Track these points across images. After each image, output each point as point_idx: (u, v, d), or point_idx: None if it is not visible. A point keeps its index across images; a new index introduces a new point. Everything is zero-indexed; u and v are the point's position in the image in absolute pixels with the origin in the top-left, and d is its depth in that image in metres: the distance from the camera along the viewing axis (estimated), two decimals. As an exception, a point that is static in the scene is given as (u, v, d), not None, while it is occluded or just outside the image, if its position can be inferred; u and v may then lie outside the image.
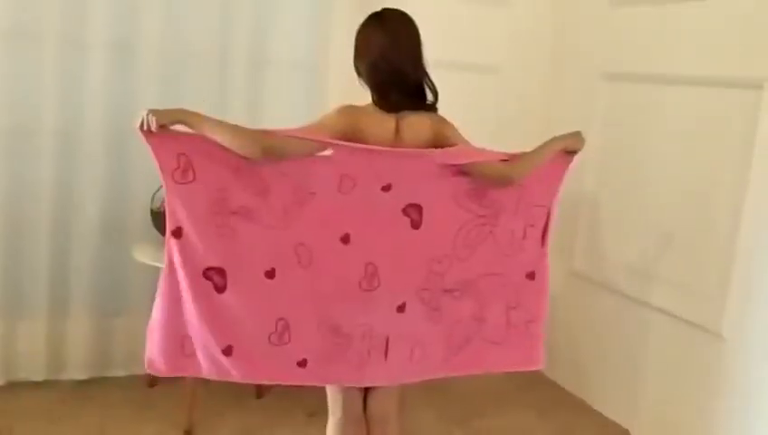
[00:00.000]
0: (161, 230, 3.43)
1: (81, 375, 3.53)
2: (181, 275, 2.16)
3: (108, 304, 3.56)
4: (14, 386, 3.41)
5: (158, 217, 3.40)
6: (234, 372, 2.24)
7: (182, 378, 3.32)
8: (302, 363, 2.29)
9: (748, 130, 2.98)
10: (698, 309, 3.18)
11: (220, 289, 2.17)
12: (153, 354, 2.26)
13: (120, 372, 3.62)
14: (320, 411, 3.42)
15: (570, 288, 4.02)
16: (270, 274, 2.21)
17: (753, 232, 2.96)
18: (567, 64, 4.11)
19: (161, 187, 3.50)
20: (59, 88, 3.32)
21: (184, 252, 2.15)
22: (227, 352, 2.21)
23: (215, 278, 2.16)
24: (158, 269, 3.30)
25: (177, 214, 2.14)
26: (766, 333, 2.90)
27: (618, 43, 3.72)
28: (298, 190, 2.19)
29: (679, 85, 3.34)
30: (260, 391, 3.57)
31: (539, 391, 3.99)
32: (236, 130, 2.12)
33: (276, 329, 2.24)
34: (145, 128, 2.09)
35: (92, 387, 3.50)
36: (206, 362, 2.25)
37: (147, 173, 3.48)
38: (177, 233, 2.15)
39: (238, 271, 2.17)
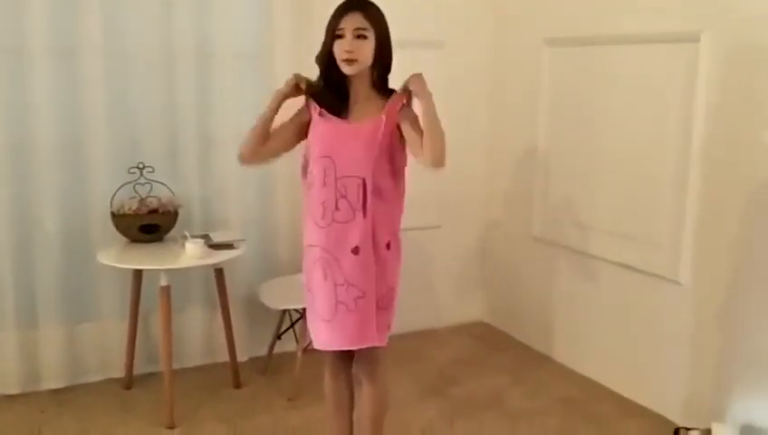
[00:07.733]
0: (123, 232, 3.43)
1: (56, 384, 3.53)
2: None
3: (76, 310, 3.56)
4: (-9, 401, 3.41)
5: (118, 220, 3.40)
6: None
7: (159, 376, 3.34)
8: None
9: (689, 82, 3.07)
10: (656, 260, 3.28)
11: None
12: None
13: (96, 377, 3.62)
14: (298, 396, 3.48)
15: (531, 253, 4.11)
16: None
17: (701, 180, 3.06)
18: (510, 34, 4.18)
19: (119, 189, 3.48)
20: (4, 101, 3.28)
21: None
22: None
23: None
24: (123, 271, 3.33)
25: None
26: (719, 277, 3.02)
27: (558, 9, 3.79)
28: None
29: (620, 45, 3.42)
30: (237, 381, 3.61)
31: (510, 354, 4.09)
32: None
33: None
34: None
35: (69, 394, 3.50)
36: None
37: (103, 177, 3.48)
38: None
39: None
